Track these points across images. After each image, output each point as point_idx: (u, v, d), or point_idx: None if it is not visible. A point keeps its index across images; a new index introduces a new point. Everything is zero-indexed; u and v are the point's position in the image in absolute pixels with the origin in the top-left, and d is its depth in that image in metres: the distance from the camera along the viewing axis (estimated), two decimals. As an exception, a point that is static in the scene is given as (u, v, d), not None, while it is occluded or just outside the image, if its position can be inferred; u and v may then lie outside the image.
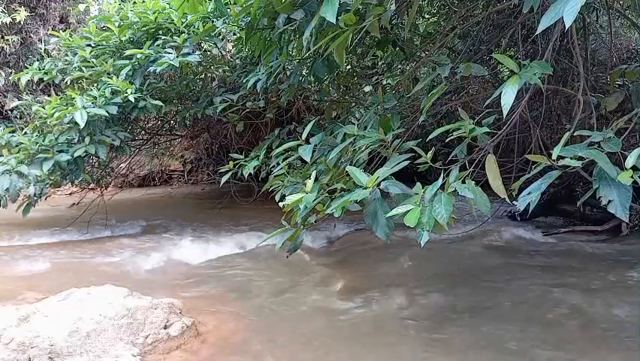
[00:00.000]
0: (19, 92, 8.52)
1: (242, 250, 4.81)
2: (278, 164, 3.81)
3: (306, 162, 3.22)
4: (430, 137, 2.50)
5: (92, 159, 5.46)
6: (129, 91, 4.59)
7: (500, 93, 2.03)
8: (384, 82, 5.62)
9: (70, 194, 8.11)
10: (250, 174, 4.38)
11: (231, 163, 4.35)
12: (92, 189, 6.84)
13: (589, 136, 2.05)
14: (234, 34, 5.07)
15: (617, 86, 3.49)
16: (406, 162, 2.49)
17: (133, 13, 5.16)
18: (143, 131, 6.81)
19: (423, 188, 2.27)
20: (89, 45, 5.35)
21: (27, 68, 5.41)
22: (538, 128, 3.52)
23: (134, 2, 5.31)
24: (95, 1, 8.27)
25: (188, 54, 4.68)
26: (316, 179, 2.78)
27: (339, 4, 2.36)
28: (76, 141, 4.66)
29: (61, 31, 5.95)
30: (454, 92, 4.40)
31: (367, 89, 5.72)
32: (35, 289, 3.54)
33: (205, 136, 8.30)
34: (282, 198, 3.11)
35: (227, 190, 6.36)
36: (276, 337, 2.83)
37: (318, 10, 2.52)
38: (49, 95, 8.43)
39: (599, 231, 4.87)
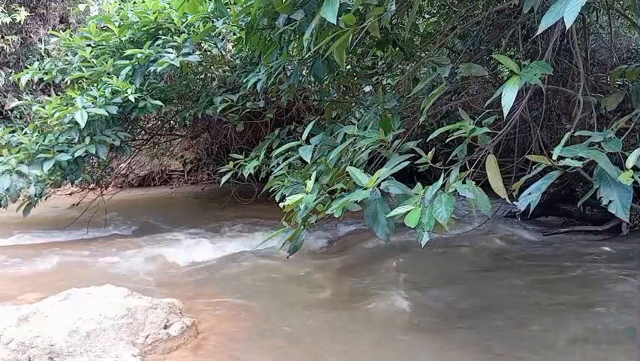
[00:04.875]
0: (19, 92, 8.52)
1: (242, 250, 4.80)
2: (278, 164, 3.81)
3: (306, 163, 3.22)
4: (431, 137, 2.50)
5: (92, 159, 5.46)
6: (129, 91, 4.59)
7: (500, 94, 2.03)
8: (384, 82, 5.62)
9: (70, 194, 8.10)
10: (250, 174, 4.38)
11: (231, 163, 4.35)
12: (92, 189, 6.83)
13: (589, 136, 2.05)
14: (234, 34, 5.07)
15: (617, 86, 3.49)
16: (407, 163, 2.49)
17: (133, 13, 5.16)
18: (143, 131, 6.81)
19: (423, 188, 2.27)
20: (89, 45, 5.35)
21: (27, 68, 5.41)
22: (539, 128, 3.52)
23: (134, 2, 5.31)
24: (95, 1, 8.27)
25: (188, 54, 4.68)
26: (316, 179, 2.78)
27: (340, 5, 2.36)
28: (76, 140, 4.66)
29: (61, 31, 5.95)
30: (454, 92, 4.41)
31: (367, 89, 5.72)
32: (35, 289, 3.54)
33: (205, 136, 8.29)
34: (283, 198, 3.11)
35: (228, 190, 6.35)
36: (277, 337, 2.82)
37: (318, 11, 2.53)
38: (49, 95, 8.44)
39: (599, 231, 4.86)
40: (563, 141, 1.93)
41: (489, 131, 2.40)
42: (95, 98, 4.59)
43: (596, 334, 2.73)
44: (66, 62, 5.40)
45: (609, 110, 3.05)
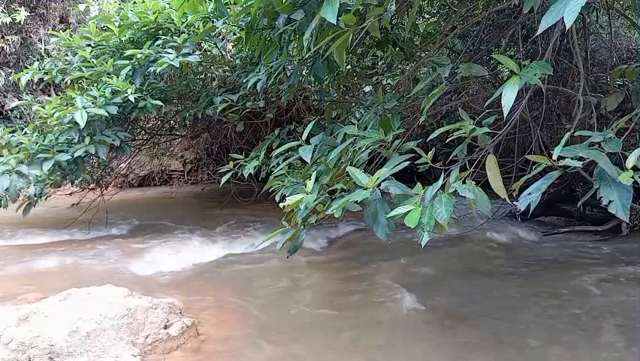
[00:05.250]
0: (19, 92, 8.52)
1: (242, 250, 4.80)
2: (278, 164, 3.81)
3: (306, 163, 3.22)
4: (431, 137, 2.50)
5: (92, 159, 5.46)
6: (129, 91, 4.59)
7: (500, 94, 2.03)
8: (384, 82, 5.62)
9: (70, 194, 8.10)
10: (250, 174, 4.38)
11: (231, 163, 4.35)
12: (92, 189, 6.83)
13: (589, 136, 2.05)
14: (234, 34, 5.07)
15: (617, 86, 3.49)
16: (407, 163, 2.49)
17: (133, 13, 5.16)
18: (143, 131, 6.81)
19: (423, 188, 2.27)
20: (89, 45, 5.35)
21: (27, 68, 5.41)
22: (539, 128, 3.52)
23: (134, 2, 5.31)
24: (95, 1, 8.27)
25: (188, 54, 4.68)
26: (316, 179, 2.78)
27: (340, 5, 2.36)
28: (76, 141, 4.66)
29: (61, 31, 5.95)
30: (454, 92, 4.41)
31: (367, 89, 5.72)
32: (35, 289, 3.54)
33: (205, 136, 8.29)
34: (283, 198, 3.11)
35: (228, 190, 6.36)
36: (277, 337, 2.82)
37: (318, 11, 2.52)
38: (49, 95, 8.44)
39: (599, 231, 4.86)
40: (562, 141, 1.93)
41: (489, 131, 2.40)
42: (95, 98, 4.59)
43: (599, 335, 2.74)
44: (66, 62, 5.40)
45: (609, 110, 3.05)
